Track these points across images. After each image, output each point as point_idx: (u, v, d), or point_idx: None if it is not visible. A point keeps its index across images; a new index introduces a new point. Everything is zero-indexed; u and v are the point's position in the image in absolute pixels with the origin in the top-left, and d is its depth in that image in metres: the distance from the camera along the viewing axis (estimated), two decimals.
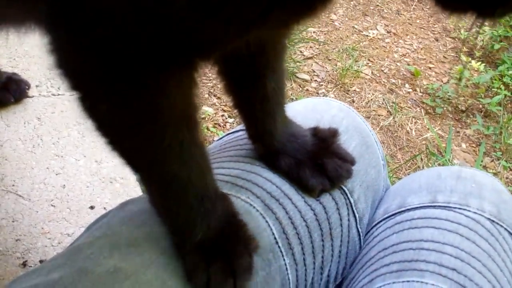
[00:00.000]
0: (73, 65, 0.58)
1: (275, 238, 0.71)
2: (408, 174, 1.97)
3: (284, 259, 0.72)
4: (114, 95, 0.57)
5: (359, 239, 0.82)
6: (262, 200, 0.73)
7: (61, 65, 0.59)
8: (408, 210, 0.81)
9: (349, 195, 0.80)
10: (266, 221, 0.72)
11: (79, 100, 0.61)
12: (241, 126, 0.87)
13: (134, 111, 0.58)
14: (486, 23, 0.48)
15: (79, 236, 0.74)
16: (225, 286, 0.65)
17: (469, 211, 0.78)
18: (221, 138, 0.92)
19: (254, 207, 0.72)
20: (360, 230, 0.82)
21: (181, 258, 0.65)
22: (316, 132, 0.82)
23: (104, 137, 0.63)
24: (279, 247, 0.72)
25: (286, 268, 0.72)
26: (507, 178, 2.05)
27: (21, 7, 0.74)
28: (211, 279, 0.64)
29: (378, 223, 0.83)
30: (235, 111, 0.81)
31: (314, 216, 0.76)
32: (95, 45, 0.54)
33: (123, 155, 0.64)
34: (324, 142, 0.81)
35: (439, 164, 2.01)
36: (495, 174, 2.06)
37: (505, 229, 0.78)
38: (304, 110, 0.90)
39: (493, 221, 0.78)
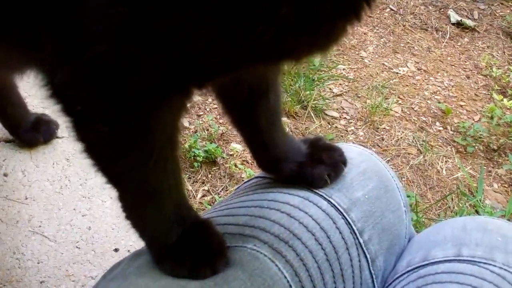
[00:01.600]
0: (73, 93, 0.62)
1: (288, 282, 0.70)
2: (438, 215, 1.94)
3: None
4: (112, 120, 0.62)
5: (372, 281, 0.80)
6: (269, 245, 0.73)
7: (60, 94, 0.63)
8: (432, 263, 0.80)
9: (358, 234, 0.79)
10: (276, 265, 0.71)
11: (73, 125, 0.66)
12: (257, 175, 0.90)
13: (129, 133, 0.63)
14: None
15: (94, 286, 0.74)
16: (205, 271, 0.70)
17: (494, 266, 0.76)
18: (239, 187, 0.93)
19: (261, 253, 0.72)
20: (373, 272, 0.80)
21: (160, 267, 0.70)
22: (305, 139, 0.91)
23: (93, 159, 0.69)
24: None
25: None
26: None
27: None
28: (191, 269, 0.70)
29: (401, 275, 0.82)
30: (235, 129, 0.91)
31: (325, 256, 0.75)
32: (97, 77, 0.59)
33: (109, 174, 0.70)
34: (315, 143, 0.89)
35: (470, 205, 1.97)
36: None
37: None
38: None
39: None
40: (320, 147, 0.88)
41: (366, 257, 0.79)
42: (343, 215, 0.79)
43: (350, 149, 0.91)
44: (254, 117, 0.84)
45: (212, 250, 0.72)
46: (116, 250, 1.16)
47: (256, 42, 0.54)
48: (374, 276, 0.80)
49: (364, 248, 0.79)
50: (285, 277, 0.71)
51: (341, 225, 0.78)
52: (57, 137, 1.39)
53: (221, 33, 0.53)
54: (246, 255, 0.72)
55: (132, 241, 1.18)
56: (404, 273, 0.81)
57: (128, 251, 1.16)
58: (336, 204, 0.80)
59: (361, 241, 0.79)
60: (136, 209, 0.74)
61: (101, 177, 0.71)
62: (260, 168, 0.89)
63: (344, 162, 0.86)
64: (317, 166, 0.84)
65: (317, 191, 0.82)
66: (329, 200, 0.80)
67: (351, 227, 0.79)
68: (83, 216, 1.22)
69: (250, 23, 0.53)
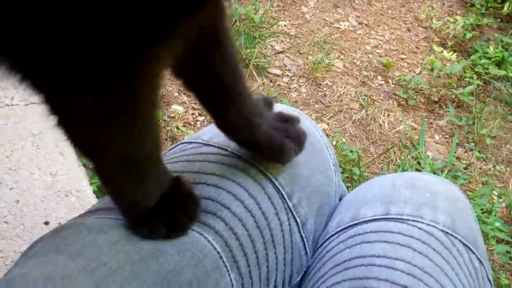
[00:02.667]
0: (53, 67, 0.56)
1: (218, 253, 0.69)
2: (381, 168, 1.96)
3: (230, 275, 0.69)
4: (96, 87, 0.57)
5: (304, 245, 0.79)
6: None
7: (35, 69, 0.57)
8: (361, 223, 0.79)
9: (287, 199, 0.78)
10: (205, 237, 0.69)
11: (47, 99, 0.59)
12: (181, 141, 0.86)
13: (114, 99, 0.58)
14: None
15: (14, 264, 0.71)
16: (185, 227, 0.70)
17: (422, 223, 0.76)
18: (163, 154, 0.89)
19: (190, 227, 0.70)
20: (303, 235, 0.79)
21: (138, 231, 0.69)
22: (261, 99, 0.84)
23: (71, 132, 0.62)
24: (223, 261, 0.69)
25: (232, 285, 0.69)
26: (480, 168, 2.04)
27: None
28: (170, 228, 0.69)
29: (331, 236, 0.81)
30: (192, 93, 0.79)
31: (255, 223, 0.73)
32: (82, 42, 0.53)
33: (89, 147, 0.65)
34: (270, 107, 0.84)
35: (412, 157, 2.00)
36: (468, 165, 2.05)
37: (459, 240, 0.76)
38: None
39: (447, 232, 0.75)
40: (282, 116, 0.83)
41: (296, 220, 0.78)
42: (271, 179, 0.78)
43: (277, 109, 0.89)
44: (213, 67, 0.76)
45: (189, 207, 0.71)
46: (46, 223, 1.13)
47: None
48: (305, 239, 0.79)
49: (294, 212, 0.78)
50: (215, 248, 0.69)
51: (269, 190, 0.77)
52: None
53: None
54: None
55: (63, 213, 1.15)
56: (334, 234, 0.81)
57: (59, 223, 1.12)
58: (263, 170, 0.78)
59: (290, 205, 0.78)
60: (116, 179, 0.69)
61: (76, 150, 0.68)
62: (227, 132, 0.80)
63: (305, 136, 0.81)
64: (285, 139, 0.79)
65: (245, 157, 0.79)
66: (256, 166, 0.78)
67: (280, 191, 0.77)
68: (10, 189, 1.18)
69: None
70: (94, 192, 1.24)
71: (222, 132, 0.80)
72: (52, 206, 1.15)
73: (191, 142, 0.84)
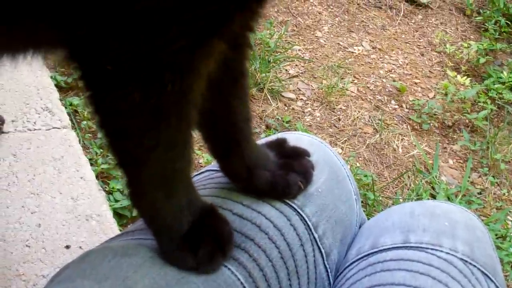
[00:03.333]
0: (105, 52, 0.59)
1: (242, 284, 0.70)
2: (395, 193, 1.96)
3: None
4: (144, 83, 0.59)
5: (327, 275, 0.80)
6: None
7: (86, 55, 0.61)
8: (381, 251, 0.80)
9: (313, 230, 0.79)
10: (229, 269, 0.70)
11: (95, 94, 0.63)
12: (208, 167, 0.88)
13: (162, 100, 0.61)
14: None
15: None
16: (216, 261, 0.70)
17: (441, 251, 0.77)
18: (196, 176, 0.90)
19: None
20: (327, 266, 0.80)
21: (168, 257, 0.69)
22: (269, 144, 0.87)
23: (113, 134, 0.65)
24: None
25: None
26: (494, 194, 2.04)
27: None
28: (200, 261, 0.68)
29: (351, 264, 0.82)
30: (201, 131, 0.80)
31: (279, 254, 0.74)
32: (138, 34, 0.57)
33: (128, 153, 0.66)
34: (281, 149, 0.85)
35: (426, 182, 1.99)
36: (482, 190, 2.04)
37: (478, 268, 0.76)
38: None
39: (466, 261, 0.76)
40: (288, 154, 0.84)
41: (320, 251, 0.79)
42: (297, 211, 0.79)
43: (301, 139, 0.91)
44: (227, 106, 0.78)
45: (223, 239, 0.71)
46: (67, 247, 1.14)
47: None
48: (329, 270, 0.80)
49: (319, 243, 0.79)
50: (239, 279, 0.70)
51: (296, 222, 0.78)
52: (3, 132, 1.35)
53: None
54: None
55: (83, 237, 1.16)
56: (354, 261, 0.82)
57: (80, 247, 1.14)
58: (289, 201, 0.79)
59: (316, 236, 0.79)
60: (148, 194, 0.70)
61: (115, 157, 0.68)
62: (229, 176, 0.82)
63: (313, 168, 0.83)
64: (290, 174, 0.80)
65: None
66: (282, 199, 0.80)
67: (306, 222, 0.78)
68: (32, 213, 1.20)
69: None
70: (114, 216, 1.26)
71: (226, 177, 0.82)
72: (73, 230, 1.17)
73: (217, 171, 0.85)
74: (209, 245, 0.70)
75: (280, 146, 0.86)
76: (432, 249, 0.77)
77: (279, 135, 0.95)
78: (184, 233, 0.70)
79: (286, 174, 0.80)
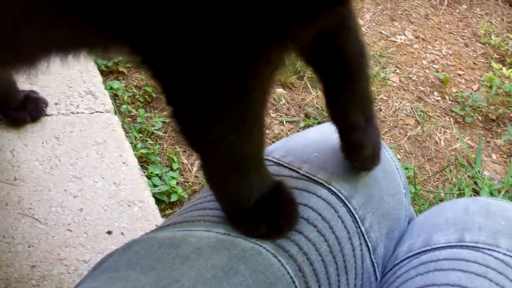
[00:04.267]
0: (172, 54, 0.62)
1: (291, 278, 0.68)
2: (437, 187, 1.92)
3: None
4: (211, 81, 0.62)
5: (374, 270, 0.78)
6: (272, 240, 0.71)
7: (155, 55, 0.64)
8: (434, 249, 0.77)
9: (360, 223, 0.76)
10: (279, 260, 0.68)
11: (166, 88, 0.66)
12: None
13: (227, 95, 0.63)
14: None
15: (85, 277, 0.72)
16: (284, 229, 0.71)
17: (498, 252, 0.74)
18: None
19: (264, 248, 0.69)
20: (374, 261, 0.78)
21: (236, 228, 0.71)
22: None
23: (184, 125, 0.69)
24: (296, 287, 0.68)
25: None
26: None
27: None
28: (270, 229, 0.71)
29: (402, 261, 0.79)
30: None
31: (328, 248, 0.72)
32: (205, 36, 0.59)
33: (199, 141, 0.71)
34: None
35: (468, 176, 1.95)
36: None
37: None
38: (319, 138, 0.87)
39: None
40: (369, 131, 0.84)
41: (367, 245, 0.77)
42: (344, 202, 0.77)
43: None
44: (336, 38, 0.77)
45: (289, 211, 0.73)
46: (109, 232, 1.14)
47: None
48: (375, 265, 0.78)
49: (366, 237, 0.77)
50: (288, 272, 0.68)
51: (343, 214, 0.76)
52: (46, 115, 1.36)
53: None
54: (249, 248, 0.69)
55: (125, 223, 1.16)
56: (405, 259, 0.79)
57: (122, 233, 1.13)
58: (336, 192, 0.77)
59: (363, 229, 0.77)
60: (221, 174, 0.73)
61: (186, 145, 0.73)
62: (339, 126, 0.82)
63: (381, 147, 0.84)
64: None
65: (316, 179, 0.78)
66: (328, 188, 0.77)
67: (353, 215, 0.76)
68: (74, 197, 1.19)
69: None
70: (156, 203, 1.25)
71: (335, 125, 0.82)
72: (115, 216, 1.16)
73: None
74: (277, 215, 0.72)
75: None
76: (488, 249, 0.74)
77: (326, 126, 0.93)
78: (250, 206, 0.73)
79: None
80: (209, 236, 0.70)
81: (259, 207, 0.73)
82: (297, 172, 0.80)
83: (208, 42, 0.60)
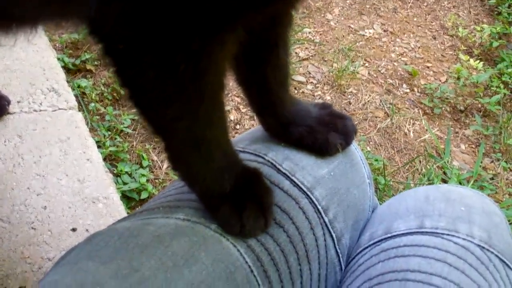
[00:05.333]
0: (126, 30, 0.61)
1: (249, 267, 0.68)
2: (406, 177, 1.94)
3: None
4: (165, 59, 0.61)
5: (339, 260, 0.78)
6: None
7: (99, 30, 0.63)
8: (395, 236, 0.78)
9: (323, 213, 0.76)
10: (238, 250, 0.68)
11: (116, 68, 0.64)
12: None
13: (179, 76, 0.62)
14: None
15: (48, 272, 0.71)
16: (257, 227, 0.70)
17: (458, 237, 0.74)
18: None
19: (224, 237, 0.69)
20: (339, 251, 0.78)
21: (212, 216, 0.71)
22: (314, 104, 0.87)
23: (139, 106, 0.68)
24: (254, 276, 0.68)
25: None
26: (507, 179, 2.01)
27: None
28: (245, 225, 0.69)
29: (364, 249, 0.80)
30: (240, 88, 0.84)
31: (287, 238, 0.72)
32: (150, 11, 0.58)
33: (156, 122, 0.69)
34: (324, 109, 0.86)
35: (438, 167, 1.97)
36: (494, 175, 2.02)
37: (496, 255, 0.74)
38: None
39: (483, 247, 0.74)
40: (333, 113, 0.86)
41: (331, 236, 0.77)
42: (307, 194, 0.77)
43: None
44: (262, 73, 0.80)
45: (264, 205, 0.72)
46: (73, 229, 1.12)
47: None
48: (340, 255, 0.78)
49: (330, 227, 0.77)
50: (247, 262, 0.68)
51: (305, 205, 0.76)
52: (9, 113, 1.34)
53: None
54: (210, 236, 0.69)
55: (90, 220, 1.14)
56: (367, 247, 0.79)
57: (87, 230, 1.12)
58: (299, 183, 0.77)
59: (326, 220, 0.77)
60: (184, 159, 0.73)
61: (147, 126, 0.71)
62: (268, 131, 0.85)
63: (355, 131, 0.85)
64: (330, 132, 0.82)
65: (280, 168, 0.78)
66: (291, 179, 0.77)
67: (315, 205, 0.76)
68: (38, 195, 1.18)
69: None
70: (122, 199, 1.24)
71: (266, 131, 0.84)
72: (80, 213, 1.15)
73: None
74: (253, 209, 0.71)
75: (327, 107, 0.88)
76: (448, 234, 0.75)
77: None
78: (226, 193, 0.72)
79: (327, 132, 0.82)
80: (168, 223, 0.69)
81: (233, 196, 0.72)
82: (263, 158, 0.80)
83: (156, 21, 0.58)
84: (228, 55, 0.66)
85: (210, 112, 0.68)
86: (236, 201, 0.71)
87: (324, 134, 0.82)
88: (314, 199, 0.77)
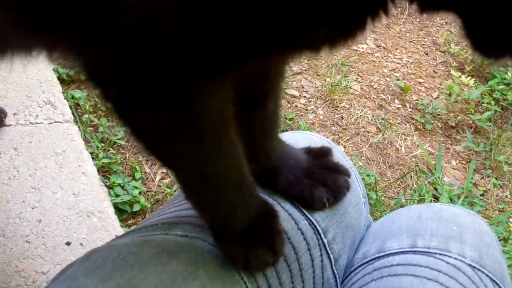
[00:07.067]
0: (113, 76, 0.59)
1: (245, 283, 0.69)
2: (398, 193, 1.95)
3: None
4: (155, 103, 0.59)
5: (335, 280, 0.79)
6: None
7: (98, 77, 0.60)
8: (387, 255, 0.79)
9: (322, 235, 0.77)
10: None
11: (113, 109, 0.63)
12: None
13: (174, 117, 0.61)
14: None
15: (46, 287, 0.71)
16: (263, 268, 0.70)
17: (450, 257, 0.76)
18: None
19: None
20: (336, 272, 0.79)
21: (220, 248, 0.70)
22: (308, 150, 0.84)
23: (141, 143, 0.66)
24: None
25: None
26: (497, 195, 2.03)
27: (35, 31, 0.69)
28: (251, 265, 0.68)
29: (357, 267, 0.81)
30: None
31: (282, 256, 0.73)
32: (136, 57, 0.55)
33: (161, 159, 0.68)
34: (318, 159, 0.83)
35: (429, 183, 1.98)
36: (485, 191, 2.03)
37: (487, 275, 0.75)
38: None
39: (474, 267, 0.75)
40: (326, 165, 0.83)
41: (329, 257, 0.78)
42: (306, 215, 0.78)
43: (311, 139, 0.90)
44: (248, 124, 0.79)
45: (275, 253, 0.71)
46: (68, 243, 1.13)
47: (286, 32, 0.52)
48: (337, 276, 0.79)
49: (328, 248, 0.78)
50: (242, 278, 0.69)
51: (304, 226, 0.77)
52: (5, 125, 1.34)
53: (254, 16, 0.51)
54: (207, 251, 0.70)
55: (84, 234, 1.15)
56: (360, 265, 0.80)
57: (81, 244, 1.12)
58: (299, 205, 0.78)
59: (325, 241, 0.78)
60: (194, 191, 0.71)
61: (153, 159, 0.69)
62: (254, 177, 0.80)
63: (348, 188, 0.82)
64: (318, 187, 0.79)
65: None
66: (292, 201, 0.78)
67: (315, 227, 0.77)
68: (32, 208, 1.18)
69: (281, 14, 0.51)
70: (118, 213, 1.25)
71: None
72: (74, 227, 1.15)
73: None
74: (262, 255, 0.70)
75: (322, 155, 0.85)
76: (440, 254, 0.76)
77: (291, 133, 0.95)
78: (237, 231, 0.70)
79: (314, 186, 0.79)
80: (167, 240, 0.70)
81: (244, 236, 0.70)
82: None
83: (143, 66, 0.57)
84: (226, 95, 0.64)
85: (217, 149, 0.66)
86: (247, 242, 0.70)
87: (310, 187, 0.79)
88: (314, 221, 0.78)
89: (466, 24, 0.50)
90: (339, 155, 0.88)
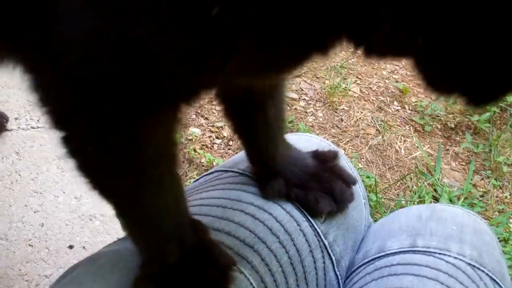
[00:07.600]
0: (58, 107, 0.58)
1: (248, 280, 0.69)
2: (398, 194, 1.96)
3: None
4: (98, 139, 0.57)
5: (338, 282, 0.80)
6: (235, 250, 0.71)
7: (45, 104, 0.58)
8: (388, 255, 0.79)
9: (322, 237, 0.78)
10: (242, 272, 0.69)
11: (61, 140, 0.60)
12: (217, 168, 0.87)
13: (116, 153, 0.58)
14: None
15: None
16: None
17: (449, 256, 0.76)
18: (197, 180, 0.90)
19: None
20: (338, 273, 0.79)
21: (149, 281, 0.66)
22: (316, 154, 0.83)
23: (85, 177, 0.62)
24: None
25: None
26: (496, 196, 2.03)
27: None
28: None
29: (358, 267, 0.81)
30: (235, 136, 0.85)
31: (288, 259, 0.73)
32: (79, 92, 0.54)
33: (103, 193, 0.64)
34: (325, 164, 0.82)
35: (428, 184, 1.99)
36: (484, 192, 2.04)
37: (486, 274, 0.76)
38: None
39: (474, 266, 0.76)
40: (334, 170, 0.82)
41: (331, 258, 0.78)
42: (307, 217, 0.78)
43: (312, 142, 0.90)
44: (250, 128, 0.79)
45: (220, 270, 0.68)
46: (70, 247, 1.13)
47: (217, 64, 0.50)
48: (339, 277, 0.79)
49: (329, 250, 0.78)
50: (251, 283, 0.69)
51: (305, 228, 0.77)
52: (6, 130, 1.35)
53: (188, 50, 0.49)
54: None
55: (87, 237, 1.15)
56: (361, 265, 0.81)
57: (83, 247, 1.13)
58: (300, 207, 0.79)
59: (326, 243, 0.78)
60: (132, 226, 0.68)
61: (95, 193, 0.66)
62: (257, 182, 0.81)
63: (352, 199, 0.81)
64: (324, 196, 0.79)
65: None
66: (293, 202, 0.79)
67: (315, 229, 0.78)
68: (35, 212, 1.19)
69: (212, 47, 0.48)
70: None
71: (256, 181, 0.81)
72: (76, 230, 1.16)
73: (227, 171, 0.85)
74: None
75: (330, 159, 0.84)
76: (439, 253, 0.77)
77: (292, 135, 0.95)
78: (169, 266, 0.68)
79: (319, 193, 0.79)
80: None
81: (175, 272, 0.68)
82: None
83: (81, 99, 0.55)
84: (166, 132, 0.62)
85: (158, 185, 0.64)
86: (178, 275, 0.67)
87: (316, 194, 0.79)
88: (313, 223, 0.78)
89: (417, 66, 0.51)
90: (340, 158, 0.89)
